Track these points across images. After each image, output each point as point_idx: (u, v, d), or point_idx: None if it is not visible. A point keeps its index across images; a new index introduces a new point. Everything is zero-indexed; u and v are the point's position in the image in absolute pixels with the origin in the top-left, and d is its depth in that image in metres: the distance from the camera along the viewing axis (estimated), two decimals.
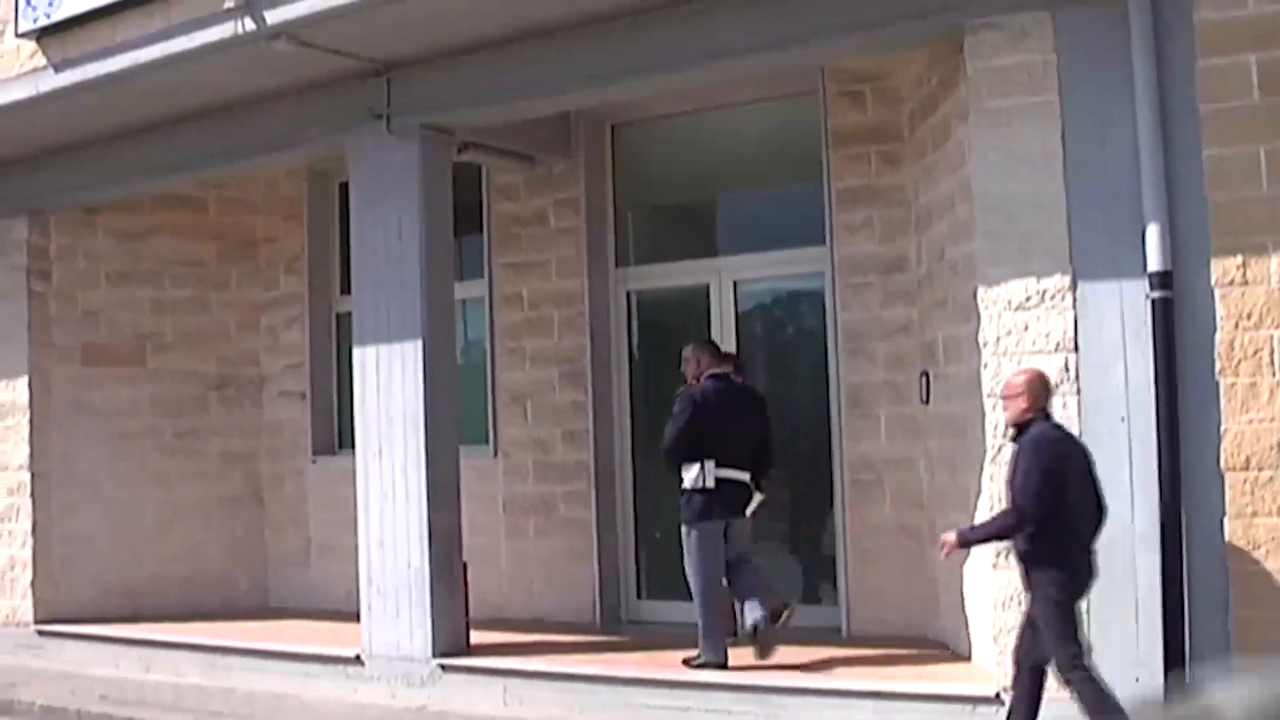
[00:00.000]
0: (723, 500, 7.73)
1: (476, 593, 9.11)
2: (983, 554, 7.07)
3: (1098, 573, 5.91)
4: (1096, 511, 5.96)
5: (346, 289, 10.40)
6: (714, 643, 7.71)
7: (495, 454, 10.10)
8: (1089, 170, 6.47)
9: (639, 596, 9.80)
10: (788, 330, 9.59)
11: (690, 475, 7.72)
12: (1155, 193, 6.30)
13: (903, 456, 8.56)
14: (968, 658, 7.61)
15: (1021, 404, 6.02)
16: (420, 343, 8.42)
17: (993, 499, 6.64)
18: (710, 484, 7.69)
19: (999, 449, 6.65)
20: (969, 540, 6.14)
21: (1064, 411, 6.48)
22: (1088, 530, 5.91)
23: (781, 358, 9.45)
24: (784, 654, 7.72)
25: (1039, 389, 6.06)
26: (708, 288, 9.59)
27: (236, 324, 11.41)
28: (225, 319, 11.37)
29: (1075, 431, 6.38)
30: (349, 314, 9.50)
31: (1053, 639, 5.78)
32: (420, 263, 8.47)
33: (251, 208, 11.48)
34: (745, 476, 7.81)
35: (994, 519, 6.09)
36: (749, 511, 7.89)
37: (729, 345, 9.10)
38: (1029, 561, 5.86)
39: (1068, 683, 5.76)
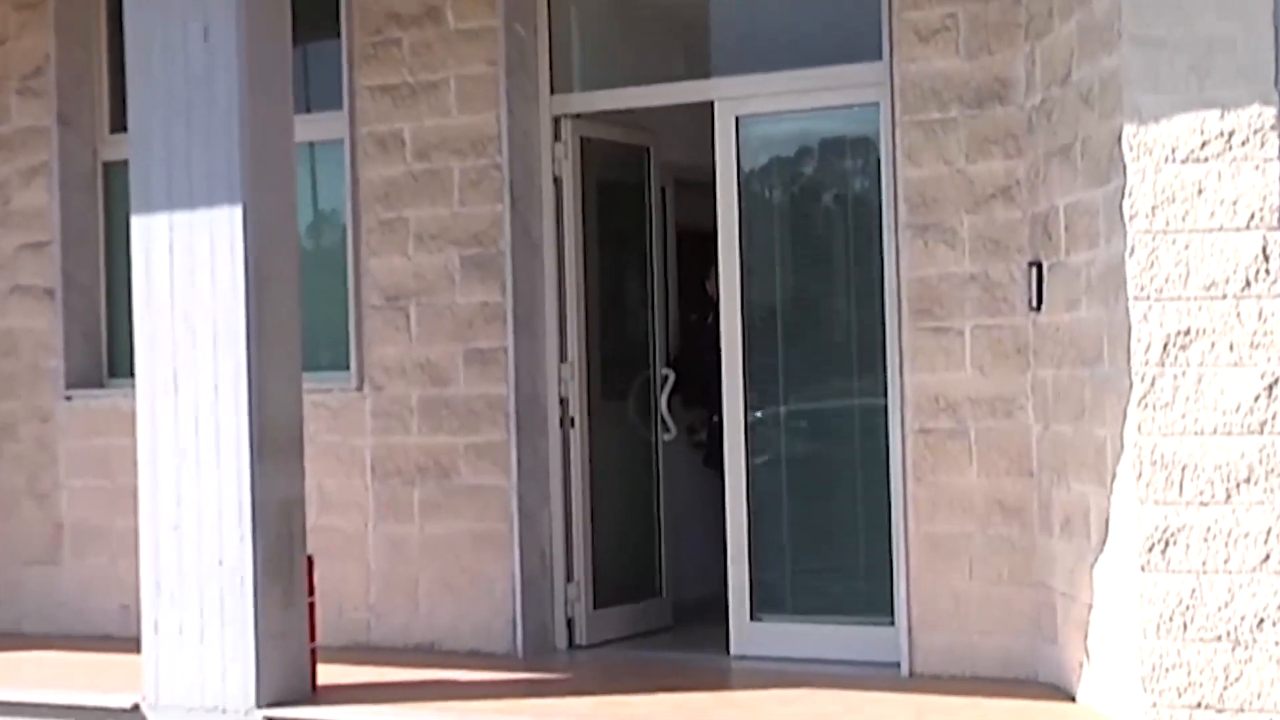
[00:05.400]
0: None
1: (329, 605, 9.16)
2: (1125, 550, 7.07)
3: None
4: None
5: (120, 124, 10.35)
6: None
7: (360, 386, 10.15)
8: None
9: (594, 606, 9.96)
10: (821, 194, 9.59)
11: None
12: None
13: (999, 393, 8.60)
14: (1100, 711, 7.63)
15: None
16: (240, 210, 8.38)
17: (1140, 458, 6.73)
18: None
19: (1152, 381, 6.70)
20: None
21: (1259, 323, 6.52)
22: None
23: (811, 238, 9.48)
24: (815, 702, 7.77)
25: None
26: (699, 125, 9.59)
27: None
28: None
29: (1276, 352, 6.53)
30: (124, 164, 9.41)
31: None
32: (238, 83, 8.39)
33: None
34: None
35: None
36: None
37: (730, 215, 9.41)
38: None
39: None
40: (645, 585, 10.34)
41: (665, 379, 10.43)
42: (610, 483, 10.10)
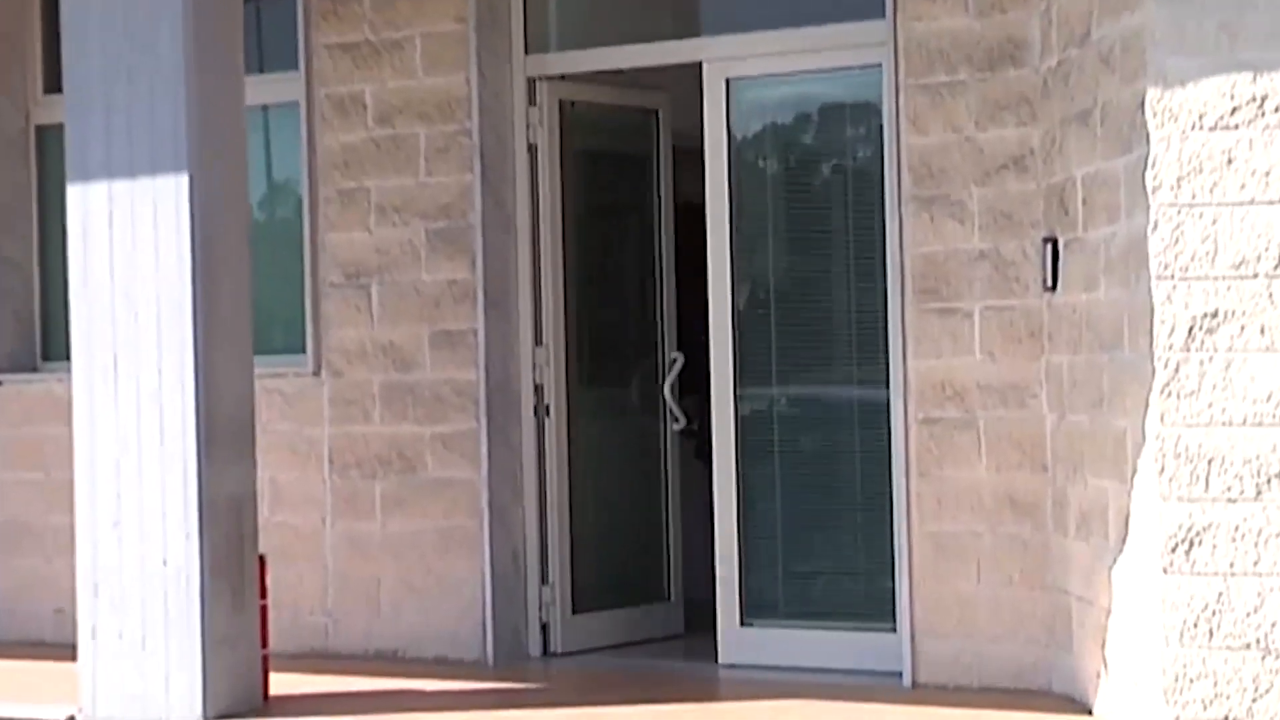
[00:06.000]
0: None
1: (283, 608, 9.21)
2: (1146, 550, 7.04)
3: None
4: None
5: (55, 84, 10.38)
6: None
7: (317, 370, 10.16)
8: None
9: (573, 611, 9.97)
10: (818, 164, 9.60)
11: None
12: None
13: (1011, 381, 8.59)
14: None
15: None
16: (186, 179, 8.38)
17: (1163, 451, 6.71)
18: None
19: (1176, 367, 6.68)
20: None
21: None
22: None
23: (807, 211, 9.45)
24: (810, 714, 7.77)
25: None
26: (685, 88, 9.59)
27: None
28: None
29: None
30: (59, 128, 9.43)
31: None
32: (184, 40, 8.38)
33: None
34: None
35: None
36: None
37: (720, 186, 9.40)
38: None
39: None
40: (647, 588, 10.31)
41: (673, 362, 10.30)
42: (595, 477, 10.09)
